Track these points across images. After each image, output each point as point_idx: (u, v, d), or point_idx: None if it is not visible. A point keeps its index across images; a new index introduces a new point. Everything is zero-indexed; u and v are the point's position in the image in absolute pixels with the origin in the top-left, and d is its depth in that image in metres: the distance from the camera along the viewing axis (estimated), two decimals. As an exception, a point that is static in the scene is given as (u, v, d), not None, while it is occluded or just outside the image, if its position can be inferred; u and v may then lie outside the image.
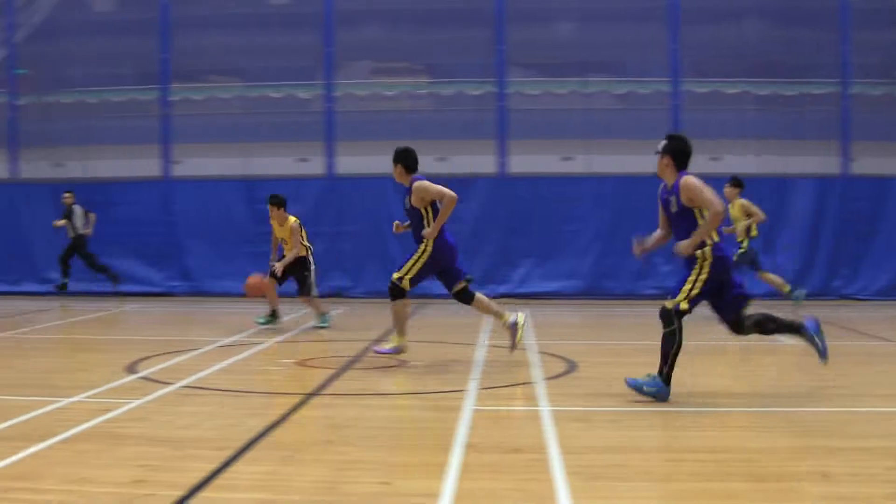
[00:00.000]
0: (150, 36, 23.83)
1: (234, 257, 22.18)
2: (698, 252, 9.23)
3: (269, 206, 15.95)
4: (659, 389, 9.26)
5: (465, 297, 12.11)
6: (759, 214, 17.58)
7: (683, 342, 9.28)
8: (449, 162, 22.56)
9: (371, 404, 9.47)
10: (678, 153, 9.55)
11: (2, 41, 25.28)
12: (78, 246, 22.35)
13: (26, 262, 23.12)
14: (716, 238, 9.29)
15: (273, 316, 15.91)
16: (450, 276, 12.06)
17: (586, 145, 23.00)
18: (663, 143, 9.65)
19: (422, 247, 11.85)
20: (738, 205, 17.56)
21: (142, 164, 23.99)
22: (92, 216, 22.42)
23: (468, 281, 12.13)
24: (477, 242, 21.92)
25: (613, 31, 23.78)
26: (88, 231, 22.35)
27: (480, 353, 12.82)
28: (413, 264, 11.81)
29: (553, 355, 12.53)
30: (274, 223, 16.01)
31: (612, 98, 24.20)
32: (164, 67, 23.73)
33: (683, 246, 9.26)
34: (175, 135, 23.69)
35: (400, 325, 12.05)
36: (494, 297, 21.03)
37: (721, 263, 9.31)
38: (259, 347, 13.65)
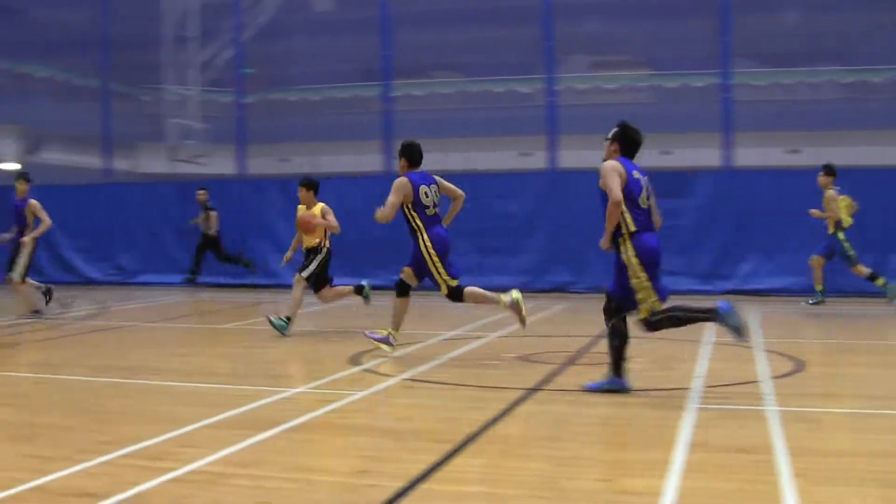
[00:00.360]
0: (371, 33, 24.12)
1: (458, 251, 22.24)
2: (623, 256, 9.37)
3: (299, 188, 15.07)
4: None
5: (404, 290, 12.45)
6: (836, 212, 16.77)
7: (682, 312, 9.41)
8: (672, 155, 22.24)
9: (593, 401, 9.35)
10: (625, 140, 9.66)
11: (229, 41, 26.00)
12: (209, 241, 23.20)
13: (251, 256, 23.65)
14: (632, 228, 9.34)
15: (289, 321, 14.51)
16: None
17: (813, 137, 22.32)
18: (614, 129, 9.76)
19: (421, 246, 12.04)
20: (829, 195, 16.82)
21: (365, 160, 24.32)
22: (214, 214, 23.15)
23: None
24: (701, 237, 21.45)
25: (842, 19, 23.05)
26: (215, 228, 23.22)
27: (705, 350, 12.55)
28: (437, 269, 12.05)
29: (780, 354, 12.19)
30: (301, 209, 15.03)
31: (840, 87, 23.50)
32: (385, 64, 23.94)
33: (602, 242, 9.55)
34: (397, 130, 23.87)
35: (485, 300, 12.12)
36: (719, 294, 20.69)
37: (646, 256, 9.31)
38: (481, 341, 13.66)
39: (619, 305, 9.60)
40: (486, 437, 7.56)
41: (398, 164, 12.54)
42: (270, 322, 14.23)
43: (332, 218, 14.66)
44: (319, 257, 14.57)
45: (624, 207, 9.35)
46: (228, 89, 26.10)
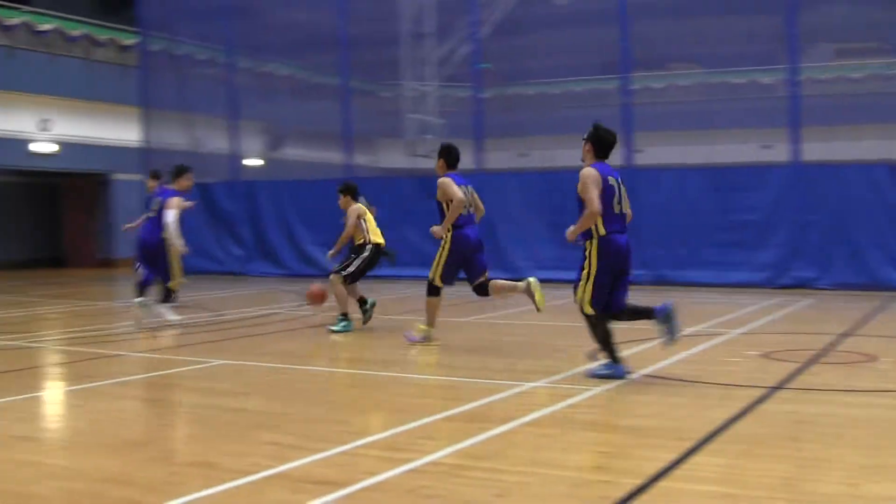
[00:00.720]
0: (609, 25, 23.85)
1: (698, 247, 21.96)
2: (587, 254, 9.99)
3: (337, 195, 15.41)
4: (613, 372, 10.05)
5: (482, 291, 12.98)
6: None
7: (609, 327, 10.09)
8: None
9: (838, 400, 9.06)
10: (598, 141, 10.23)
11: (466, 37, 26.17)
12: None
13: (492, 249, 23.71)
14: (602, 232, 9.90)
15: (345, 318, 14.66)
16: (471, 268, 12.97)
17: None
18: (589, 130, 10.33)
19: (442, 242, 12.81)
20: None
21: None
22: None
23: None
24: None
25: None
26: None
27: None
28: (438, 262, 12.80)
29: None
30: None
31: None
32: (623, 56, 23.63)
33: (569, 231, 10.09)
34: (636, 123, 23.57)
35: (429, 316, 13.01)
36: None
37: (610, 258, 9.92)
38: (722, 338, 13.40)
39: None
40: (726, 436, 7.41)
41: (436, 164, 13.26)
42: (332, 330, 14.50)
43: (352, 222, 14.94)
44: (365, 255, 14.79)
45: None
46: (466, 84, 26.28)
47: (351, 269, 14.64)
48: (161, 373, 11.25)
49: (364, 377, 10.66)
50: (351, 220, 14.86)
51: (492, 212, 23.71)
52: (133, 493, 6.10)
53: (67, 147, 33.26)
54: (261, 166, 34.30)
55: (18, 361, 12.08)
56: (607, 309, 10.11)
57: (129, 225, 18.71)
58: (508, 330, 14.97)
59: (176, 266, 15.39)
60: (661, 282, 22.31)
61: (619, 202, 10.09)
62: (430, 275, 12.85)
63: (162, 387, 10.59)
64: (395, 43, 29.46)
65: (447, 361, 11.74)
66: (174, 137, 29.44)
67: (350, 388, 10.10)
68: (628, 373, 10.08)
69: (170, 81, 30.01)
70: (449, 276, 12.88)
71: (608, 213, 9.95)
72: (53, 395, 10.22)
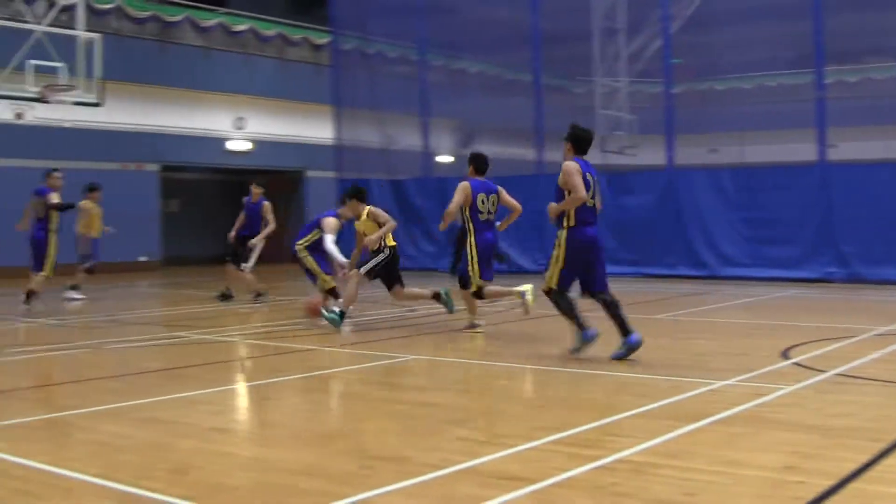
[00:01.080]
0: (803, 18, 23.40)
1: (893, 244, 21.44)
2: (557, 240, 11.16)
3: (348, 202, 15.19)
4: (584, 337, 11.26)
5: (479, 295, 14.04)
6: None
7: (573, 300, 11.33)
8: None
9: None
10: (576, 140, 11.21)
11: (657, 32, 26.01)
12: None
13: (682, 246, 23.58)
14: (572, 222, 11.04)
15: (342, 315, 14.60)
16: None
17: None
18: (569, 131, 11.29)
19: (468, 245, 13.88)
20: None
21: (796, 149, 23.74)
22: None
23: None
24: None
25: None
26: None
27: None
28: (473, 267, 13.83)
29: None
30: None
31: None
32: (818, 50, 23.15)
33: (550, 207, 11.21)
34: (830, 118, 23.09)
35: (501, 295, 14.17)
36: None
37: (577, 245, 11.08)
38: (917, 337, 13.10)
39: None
40: (923, 438, 7.27)
41: (467, 169, 14.18)
42: (323, 315, 14.74)
43: (382, 221, 14.74)
44: (382, 256, 14.73)
45: None
46: (657, 80, 26.11)
47: (369, 266, 14.68)
48: (352, 367, 11.50)
49: (552, 374, 10.71)
50: (389, 223, 14.78)
51: (681, 208, 23.64)
52: (324, 484, 6.23)
53: (262, 145, 34.15)
54: (452, 163, 34.59)
55: (211, 355, 12.49)
56: (584, 287, 11.40)
57: (232, 234, 19.88)
58: (698, 327, 14.86)
59: (314, 268, 15.94)
60: (854, 279, 21.86)
61: (593, 196, 11.10)
62: (472, 286, 13.91)
63: (353, 381, 10.81)
64: (587, 39, 29.44)
65: (636, 358, 11.72)
66: (366, 135, 29.95)
67: (539, 385, 10.18)
68: (596, 335, 11.30)
69: (362, 79, 30.51)
70: (489, 274, 13.98)
71: (581, 206, 10.99)
72: (245, 389, 10.54)
